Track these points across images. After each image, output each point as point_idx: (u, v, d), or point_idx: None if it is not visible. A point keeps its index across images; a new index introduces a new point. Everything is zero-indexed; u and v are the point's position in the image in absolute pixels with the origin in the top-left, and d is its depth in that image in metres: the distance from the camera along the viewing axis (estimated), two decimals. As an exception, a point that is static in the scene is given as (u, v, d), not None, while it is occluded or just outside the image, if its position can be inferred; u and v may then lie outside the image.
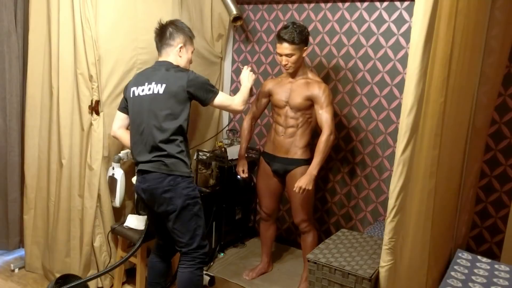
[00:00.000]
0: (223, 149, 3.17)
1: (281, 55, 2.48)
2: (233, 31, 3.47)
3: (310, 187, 2.45)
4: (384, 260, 1.78)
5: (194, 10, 3.07)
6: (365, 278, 1.96)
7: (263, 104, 2.77)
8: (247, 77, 2.40)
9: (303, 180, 2.44)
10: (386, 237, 1.74)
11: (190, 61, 2.31)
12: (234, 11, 3.17)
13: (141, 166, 2.13)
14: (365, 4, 2.87)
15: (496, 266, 2.17)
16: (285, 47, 2.43)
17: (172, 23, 2.20)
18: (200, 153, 3.19)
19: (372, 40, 2.88)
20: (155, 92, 2.09)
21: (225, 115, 3.61)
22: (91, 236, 2.56)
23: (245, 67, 2.49)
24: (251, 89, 2.41)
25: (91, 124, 2.48)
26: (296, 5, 3.15)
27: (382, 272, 1.79)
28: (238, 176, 2.94)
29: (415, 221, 1.89)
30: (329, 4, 3.01)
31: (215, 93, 2.17)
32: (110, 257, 2.64)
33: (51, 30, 2.47)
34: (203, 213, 2.19)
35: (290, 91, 2.59)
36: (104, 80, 2.49)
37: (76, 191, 2.53)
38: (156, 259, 2.36)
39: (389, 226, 1.72)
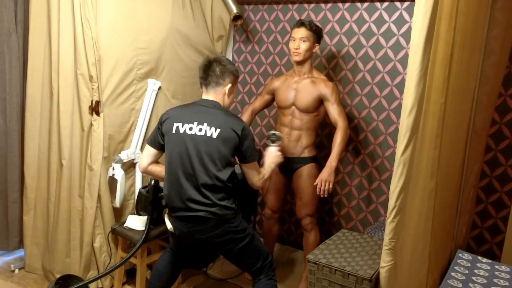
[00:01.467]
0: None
1: (295, 40, 2.55)
2: (233, 31, 3.47)
3: (332, 179, 2.47)
4: (384, 261, 1.77)
5: (194, 10, 3.07)
6: (365, 279, 1.96)
7: (265, 100, 2.80)
8: (274, 158, 2.29)
9: (324, 173, 2.47)
10: (387, 237, 1.74)
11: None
12: (234, 10, 3.17)
13: (188, 209, 1.99)
14: (365, 4, 2.87)
15: (496, 266, 2.17)
16: (301, 31, 2.53)
17: (220, 61, 2.07)
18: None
19: (372, 41, 2.88)
20: (208, 135, 1.96)
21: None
22: (91, 236, 2.56)
23: (275, 149, 2.34)
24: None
25: (91, 124, 2.48)
26: (296, 5, 3.15)
27: (383, 272, 1.79)
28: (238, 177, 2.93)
29: (416, 221, 1.89)
30: (329, 5, 3.01)
31: (256, 157, 2.10)
32: (110, 257, 2.64)
33: (51, 31, 2.47)
34: (255, 235, 2.14)
35: (296, 91, 2.61)
36: (105, 81, 2.49)
37: (76, 191, 2.53)
38: (168, 264, 2.26)
39: (389, 226, 1.72)
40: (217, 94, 2.06)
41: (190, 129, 1.99)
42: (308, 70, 2.62)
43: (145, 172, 2.16)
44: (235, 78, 2.11)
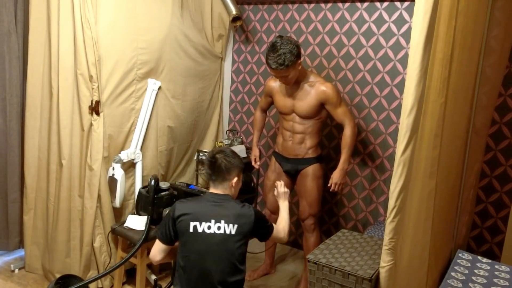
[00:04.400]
0: (223, 149, 3.17)
1: (278, 77, 2.51)
2: (233, 31, 3.47)
3: (344, 181, 2.57)
4: (384, 261, 1.77)
5: (194, 10, 3.07)
6: (365, 279, 1.96)
7: (268, 101, 2.82)
8: (283, 196, 2.29)
9: (336, 176, 2.53)
10: (386, 237, 1.74)
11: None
12: (233, 11, 3.17)
13: None
14: (365, 4, 2.87)
15: (496, 266, 2.17)
16: (277, 72, 2.42)
17: (225, 155, 2.07)
18: (200, 153, 3.19)
19: (372, 41, 2.88)
20: (227, 232, 1.96)
21: (226, 116, 3.61)
22: (91, 236, 2.56)
23: (279, 184, 2.32)
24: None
25: (91, 124, 2.48)
26: (296, 5, 3.15)
27: (382, 272, 1.79)
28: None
29: (415, 221, 1.89)
30: (329, 5, 3.01)
31: (271, 227, 2.12)
32: (110, 257, 2.64)
33: (51, 31, 2.46)
34: None
35: (294, 99, 2.58)
36: (104, 81, 2.49)
37: (76, 191, 2.53)
38: None
39: (389, 226, 1.72)
40: (224, 188, 2.07)
41: (209, 228, 1.98)
42: (304, 77, 2.56)
43: (157, 263, 2.14)
44: (240, 170, 2.11)
